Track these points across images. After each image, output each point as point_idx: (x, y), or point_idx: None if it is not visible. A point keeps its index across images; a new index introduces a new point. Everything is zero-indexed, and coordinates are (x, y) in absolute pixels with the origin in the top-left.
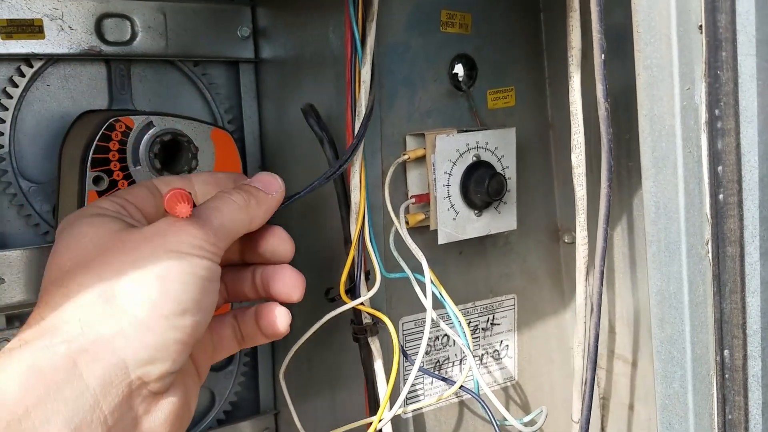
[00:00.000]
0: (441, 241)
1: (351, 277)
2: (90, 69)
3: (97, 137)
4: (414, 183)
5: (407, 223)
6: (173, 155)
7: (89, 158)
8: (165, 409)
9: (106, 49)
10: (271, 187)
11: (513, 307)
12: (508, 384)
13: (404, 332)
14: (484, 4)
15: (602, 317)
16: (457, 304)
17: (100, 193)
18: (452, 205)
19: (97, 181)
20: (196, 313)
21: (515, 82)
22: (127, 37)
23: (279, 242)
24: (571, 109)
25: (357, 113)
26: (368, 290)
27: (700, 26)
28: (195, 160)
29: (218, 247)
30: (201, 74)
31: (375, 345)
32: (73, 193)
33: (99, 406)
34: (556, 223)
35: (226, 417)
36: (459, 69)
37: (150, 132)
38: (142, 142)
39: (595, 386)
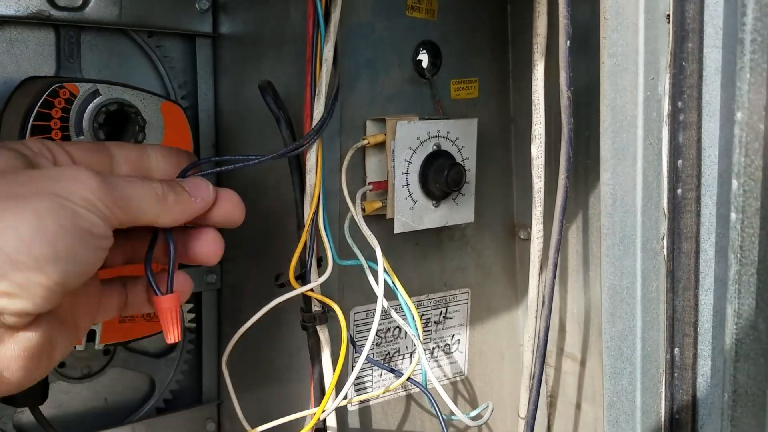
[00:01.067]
0: (397, 230)
1: (303, 262)
2: (38, 34)
3: (39, 103)
4: (372, 169)
5: (364, 210)
6: (119, 127)
7: (29, 125)
8: (19, 344)
9: (56, 13)
10: (198, 192)
11: (466, 301)
12: (458, 379)
13: (355, 322)
14: None
15: (553, 315)
16: (410, 296)
17: None
18: (410, 194)
19: None
20: (68, 263)
21: (479, 74)
22: (79, 2)
23: (232, 207)
24: (533, 98)
25: (317, 93)
26: (319, 276)
27: (668, 15)
28: (142, 133)
29: (114, 214)
30: (155, 46)
31: (324, 334)
32: None
33: None
34: (513, 219)
35: (166, 405)
36: (423, 56)
37: (96, 101)
38: (87, 110)
39: (543, 384)
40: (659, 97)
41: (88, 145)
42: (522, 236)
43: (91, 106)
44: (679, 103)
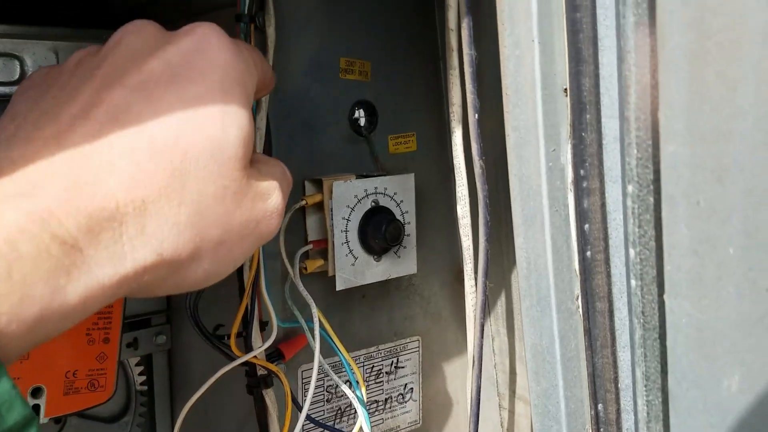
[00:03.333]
0: (339, 287)
1: (245, 325)
2: None
3: None
4: (313, 228)
5: (305, 269)
6: None
7: None
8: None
9: None
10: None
11: (417, 349)
12: (413, 428)
13: (304, 380)
14: (383, 51)
15: (504, 358)
16: (360, 348)
17: None
18: (351, 251)
19: None
20: None
21: (416, 128)
22: (16, 76)
23: None
24: (454, 162)
25: None
26: (263, 341)
27: (565, 89)
28: None
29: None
30: None
31: (270, 397)
32: None
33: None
34: (460, 264)
35: None
36: (359, 114)
37: None
38: None
39: (499, 426)
40: (562, 166)
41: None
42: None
43: None
44: (582, 171)
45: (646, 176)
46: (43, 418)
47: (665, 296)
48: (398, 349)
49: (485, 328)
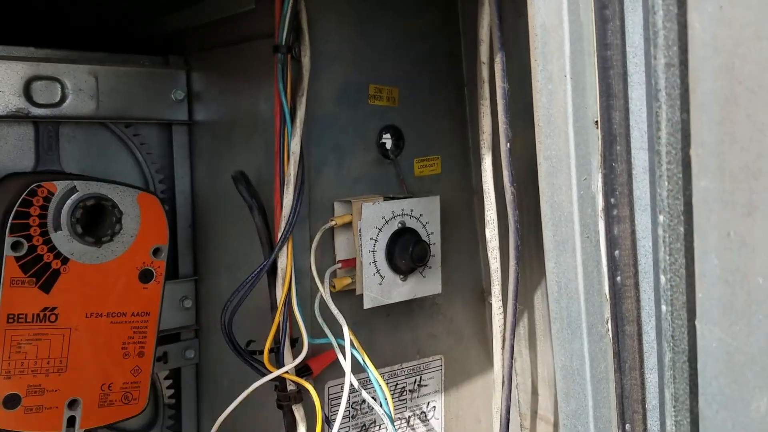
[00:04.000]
0: (366, 305)
1: (276, 341)
2: (17, 129)
3: (18, 203)
4: (341, 248)
5: (334, 287)
6: (97, 219)
7: (8, 224)
8: None
9: (35, 111)
10: None
11: (440, 368)
12: None
13: (330, 396)
14: (410, 78)
15: (526, 378)
16: (384, 366)
17: (18, 259)
18: (378, 270)
19: (15, 246)
20: None
21: (441, 151)
22: (57, 99)
23: None
24: (483, 188)
25: (286, 183)
26: (294, 358)
27: (596, 122)
28: (119, 224)
29: None
30: (132, 135)
31: (299, 413)
32: None
33: None
34: (482, 285)
35: None
36: (387, 139)
37: (73, 197)
38: (65, 207)
39: None
40: (593, 195)
41: None
42: (491, 301)
43: (68, 202)
44: (612, 200)
45: (676, 207)
46: (78, 430)
47: (696, 321)
48: (421, 367)
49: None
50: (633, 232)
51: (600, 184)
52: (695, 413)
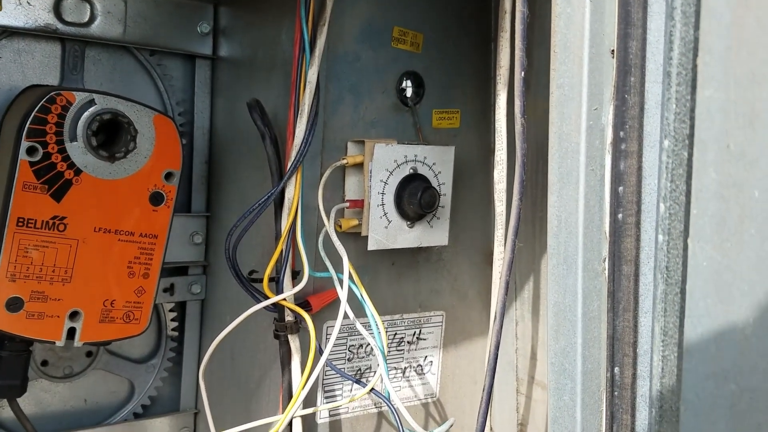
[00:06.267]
0: (371, 247)
1: (278, 270)
2: (44, 46)
3: (36, 108)
4: (351, 188)
5: (340, 227)
6: (112, 135)
7: (26, 128)
8: None
9: (63, 28)
10: None
11: (441, 323)
12: (429, 400)
13: (327, 336)
14: (437, 26)
15: (526, 343)
16: (384, 314)
17: (33, 164)
18: (385, 214)
19: (30, 151)
20: None
21: (461, 105)
22: (86, 19)
23: None
24: (495, 126)
25: (300, 113)
26: (293, 287)
27: (612, 51)
28: (134, 142)
29: None
30: (156, 64)
31: (294, 343)
32: (6, 162)
33: None
34: (491, 246)
35: (143, 411)
36: (407, 85)
37: (90, 109)
38: (81, 118)
39: (515, 411)
40: (602, 127)
41: None
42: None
43: (86, 114)
44: (621, 133)
45: (682, 131)
46: (77, 342)
47: (689, 240)
48: (422, 320)
49: (510, 312)
50: (639, 168)
51: (611, 116)
52: (681, 348)
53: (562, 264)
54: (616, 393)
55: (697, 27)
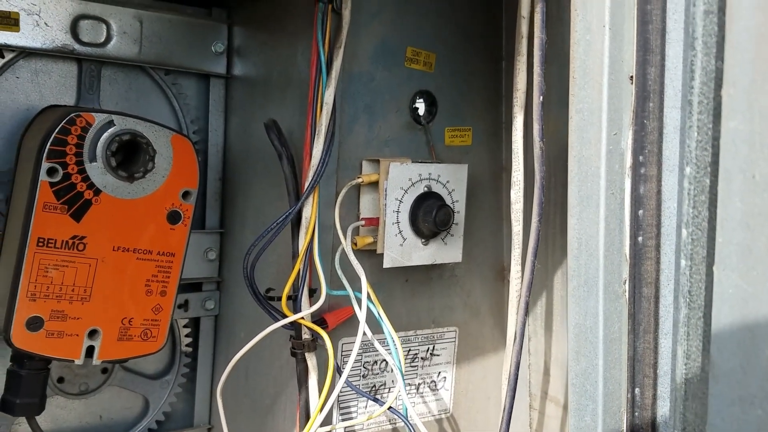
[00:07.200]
0: (386, 264)
1: (295, 289)
2: (61, 66)
3: (57, 129)
4: (366, 206)
5: (355, 244)
6: (131, 155)
7: (46, 149)
8: None
9: (80, 48)
10: None
11: (454, 339)
12: (443, 416)
13: (343, 353)
14: (449, 46)
15: (539, 359)
16: (398, 331)
17: (53, 185)
18: (400, 231)
19: (51, 172)
20: None
21: (473, 123)
22: (102, 39)
23: None
24: (513, 147)
25: (317, 133)
26: (311, 306)
27: (631, 77)
28: (152, 162)
29: None
30: (171, 83)
31: (312, 361)
32: (26, 182)
33: None
34: (503, 263)
35: (158, 426)
36: (420, 104)
37: (110, 130)
38: (101, 139)
39: (528, 427)
40: (622, 151)
41: None
42: (510, 277)
43: (105, 135)
44: (641, 158)
45: (704, 158)
46: (96, 360)
47: (714, 267)
48: (435, 336)
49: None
50: (659, 192)
51: (630, 141)
52: (706, 371)
53: (582, 286)
54: (636, 414)
55: (718, 57)
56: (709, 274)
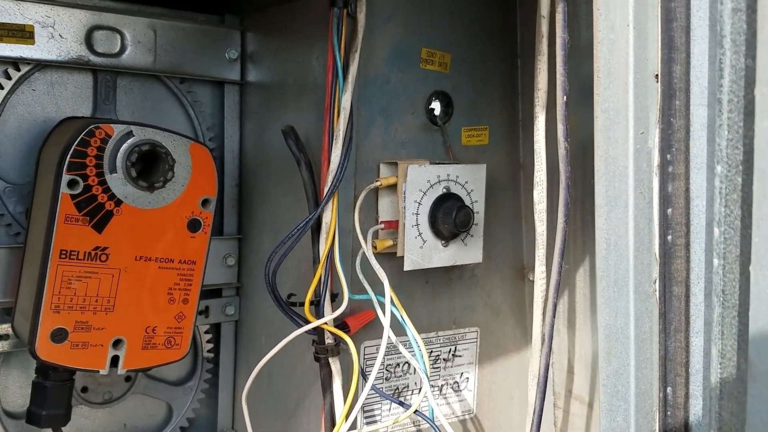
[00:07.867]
0: (407, 267)
1: (317, 294)
2: (77, 77)
3: (76, 142)
4: (385, 209)
5: (375, 247)
6: (150, 165)
7: (66, 161)
8: None
9: (95, 59)
10: None
11: (475, 340)
12: (467, 417)
13: (365, 356)
14: (463, 45)
15: (561, 357)
16: (420, 332)
17: (74, 197)
18: (420, 234)
19: (71, 184)
20: None
21: (490, 122)
22: (116, 49)
23: None
24: (535, 147)
25: (334, 138)
26: (333, 311)
27: (657, 75)
28: (171, 171)
29: None
30: (186, 91)
31: (335, 366)
32: (47, 195)
33: None
34: (523, 261)
35: None
36: (436, 105)
37: (129, 141)
38: (121, 150)
39: (552, 425)
40: (649, 150)
41: None
42: (531, 278)
43: (124, 145)
44: (668, 156)
45: (735, 157)
46: (121, 369)
47: (751, 267)
48: (457, 337)
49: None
50: (687, 190)
51: (657, 140)
52: (742, 369)
53: (612, 286)
54: (669, 413)
55: (748, 55)
56: (744, 273)
